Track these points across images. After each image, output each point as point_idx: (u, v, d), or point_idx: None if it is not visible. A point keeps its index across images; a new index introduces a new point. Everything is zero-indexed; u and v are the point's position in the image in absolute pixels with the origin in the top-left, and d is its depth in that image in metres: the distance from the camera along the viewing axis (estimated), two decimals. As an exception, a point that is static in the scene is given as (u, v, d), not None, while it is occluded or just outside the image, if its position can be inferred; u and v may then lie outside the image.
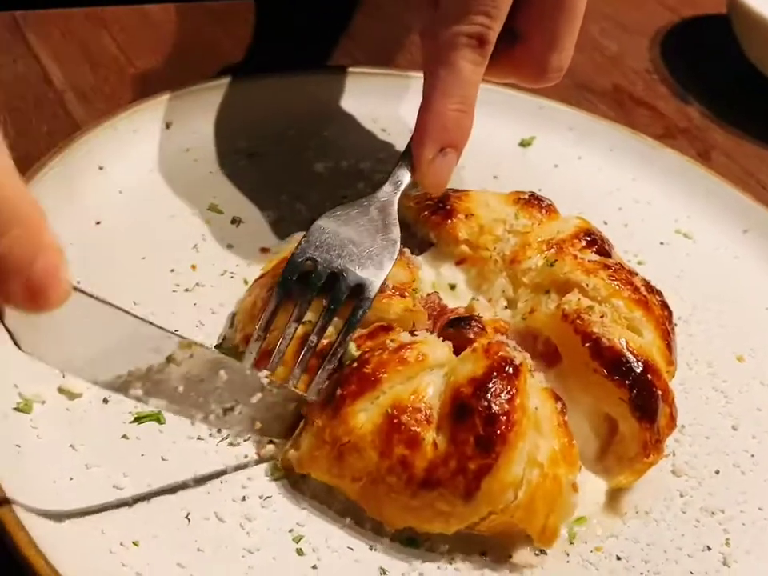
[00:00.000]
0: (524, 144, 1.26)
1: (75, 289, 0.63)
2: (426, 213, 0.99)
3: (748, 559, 0.84)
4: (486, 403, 0.76)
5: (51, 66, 1.24)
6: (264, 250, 1.03)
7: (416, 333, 0.83)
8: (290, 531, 0.79)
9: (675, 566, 0.82)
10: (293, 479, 0.82)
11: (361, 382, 0.78)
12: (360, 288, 0.84)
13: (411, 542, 0.80)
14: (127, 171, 1.06)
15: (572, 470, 0.79)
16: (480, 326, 0.86)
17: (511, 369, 0.78)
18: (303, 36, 1.42)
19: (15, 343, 0.66)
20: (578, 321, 0.84)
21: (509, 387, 0.77)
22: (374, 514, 0.79)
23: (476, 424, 0.76)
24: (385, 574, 0.77)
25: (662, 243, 1.16)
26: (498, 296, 0.94)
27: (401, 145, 1.19)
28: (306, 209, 1.09)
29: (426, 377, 0.79)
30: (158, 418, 0.84)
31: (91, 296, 0.68)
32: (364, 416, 0.77)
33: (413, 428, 0.76)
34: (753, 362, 1.03)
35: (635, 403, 0.82)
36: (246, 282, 0.99)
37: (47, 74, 1.23)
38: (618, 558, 0.82)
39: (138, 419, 0.84)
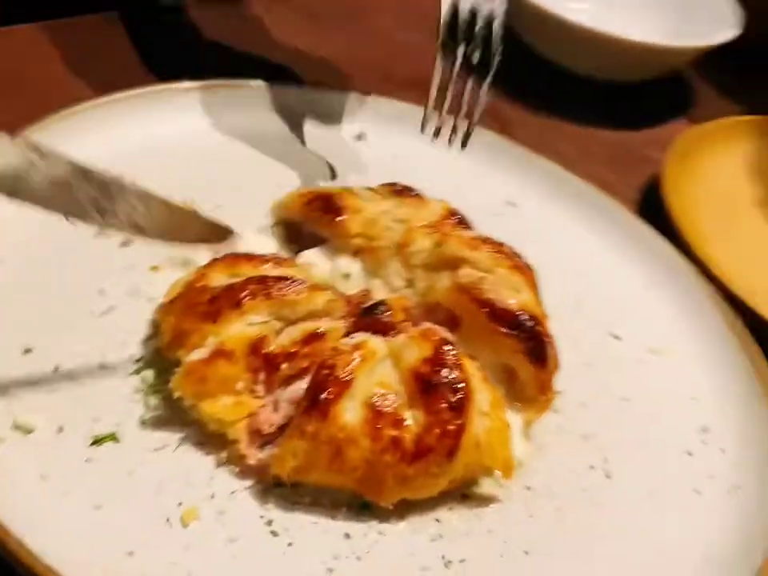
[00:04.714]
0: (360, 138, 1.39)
1: None
2: (316, 212, 1.11)
3: (626, 469, 1.02)
4: (446, 375, 0.90)
5: None
6: (154, 268, 1.11)
7: (352, 336, 0.95)
8: (261, 517, 0.89)
9: (572, 486, 0.99)
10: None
11: (337, 386, 0.89)
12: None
13: (365, 507, 0.92)
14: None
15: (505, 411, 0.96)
16: (387, 307, 0.99)
17: (451, 346, 0.93)
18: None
19: None
20: (474, 291, 0.99)
21: (456, 359, 0.92)
22: (372, 495, 0.90)
23: (444, 393, 0.90)
24: (349, 537, 0.89)
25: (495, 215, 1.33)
26: (394, 279, 1.07)
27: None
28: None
29: (379, 369, 0.92)
30: (113, 437, 0.91)
31: None
32: (349, 413, 0.89)
33: (392, 411, 0.89)
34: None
35: (531, 352, 0.98)
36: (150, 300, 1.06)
37: None
38: (528, 489, 0.98)
39: (97, 442, 0.90)
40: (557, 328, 1.15)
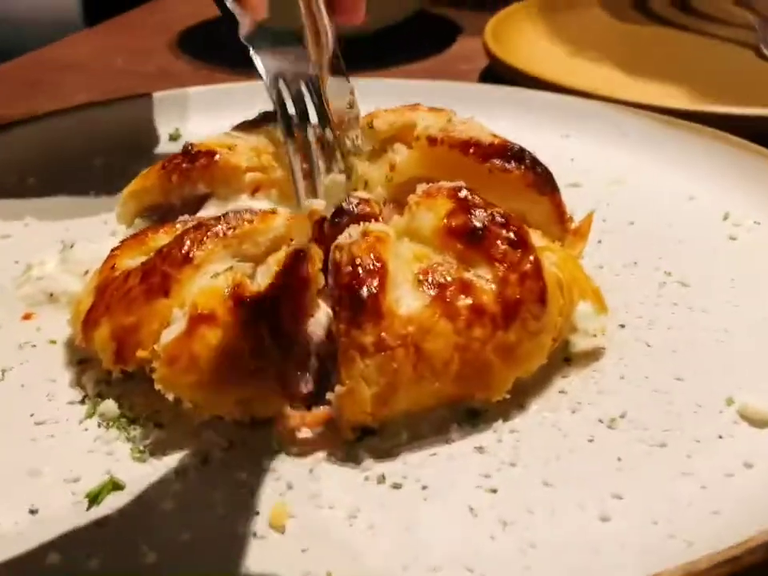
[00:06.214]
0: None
1: None
2: (181, 173, 0.83)
3: (692, 271, 0.85)
4: (485, 215, 0.71)
5: None
6: (27, 316, 0.82)
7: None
8: (366, 479, 0.62)
9: (658, 304, 0.81)
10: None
11: (373, 275, 0.66)
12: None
13: (474, 415, 0.68)
14: None
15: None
16: (360, 198, 0.77)
17: (466, 191, 0.73)
18: None
19: None
20: (448, 137, 0.80)
21: (482, 200, 0.72)
22: (481, 390, 0.67)
23: (496, 234, 0.70)
24: (483, 450, 0.65)
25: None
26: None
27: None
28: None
29: (402, 247, 0.70)
30: (115, 485, 0.62)
31: None
32: (406, 301, 0.66)
33: (453, 278, 0.68)
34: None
35: (540, 181, 0.80)
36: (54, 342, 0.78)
37: None
38: (622, 326, 0.78)
39: (94, 499, 0.61)
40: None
